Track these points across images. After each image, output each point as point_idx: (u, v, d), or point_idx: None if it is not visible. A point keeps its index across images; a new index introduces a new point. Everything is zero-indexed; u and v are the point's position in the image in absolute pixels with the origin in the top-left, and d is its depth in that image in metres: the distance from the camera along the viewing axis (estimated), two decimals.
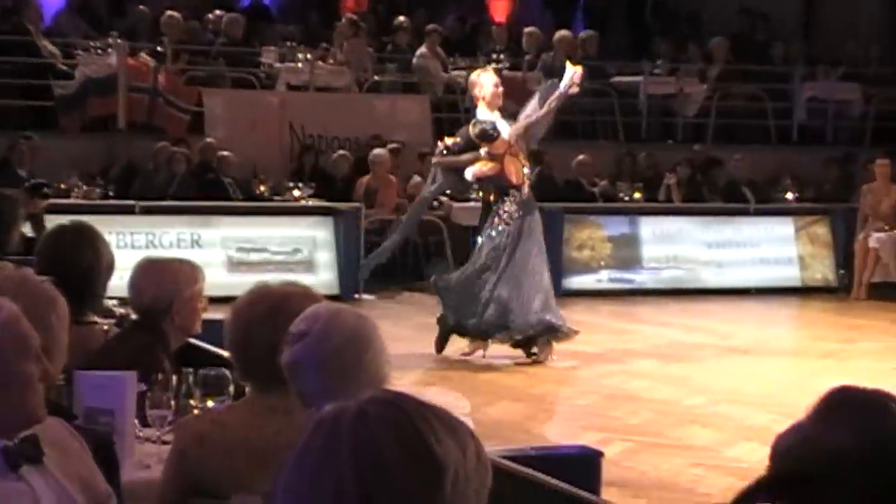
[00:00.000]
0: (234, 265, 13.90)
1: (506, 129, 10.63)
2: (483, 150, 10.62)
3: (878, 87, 19.12)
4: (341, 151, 15.92)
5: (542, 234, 11.10)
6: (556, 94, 10.74)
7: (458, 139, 10.88)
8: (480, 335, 10.75)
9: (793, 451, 1.87)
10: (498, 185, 10.73)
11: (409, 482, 1.63)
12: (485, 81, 10.86)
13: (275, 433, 3.31)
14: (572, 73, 10.68)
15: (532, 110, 10.96)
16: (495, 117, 10.71)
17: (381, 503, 1.63)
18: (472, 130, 10.62)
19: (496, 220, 10.68)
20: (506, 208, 10.67)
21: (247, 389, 3.74)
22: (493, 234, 10.69)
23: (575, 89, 10.80)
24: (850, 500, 1.83)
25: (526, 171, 10.91)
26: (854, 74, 19.26)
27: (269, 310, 3.49)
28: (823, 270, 15.96)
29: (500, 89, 10.83)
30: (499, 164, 10.58)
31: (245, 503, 3.31)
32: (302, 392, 3.20)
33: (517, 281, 10.61)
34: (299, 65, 17.28)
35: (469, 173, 10.77)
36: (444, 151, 11.01)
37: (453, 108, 17.69)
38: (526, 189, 10.82)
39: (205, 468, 3.42)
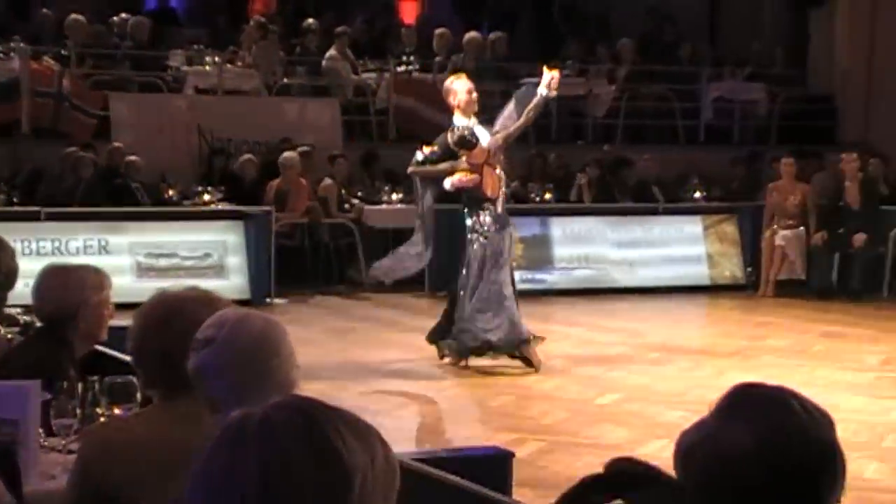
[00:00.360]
0: (143, 271, 13.75)
1: (485, 137, 10.43)
2: (462, 160, 10.41)
3: (783, 86, 19.38)
4: (248, 155, 15.79)
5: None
6: (535, 102, 10.53)
7: (436, 147, 10.60)
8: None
9: (694, 448, 1.90)
10: (474, 198, 10.51)
11: (317, 489, 1.61)
12: (458, 88, 10.61)
13: (182, 441, 3.26)
14: (549, 78, 10.44)
15: (508, 118, 10.76)
16: (472, 123, 10.50)
17: None
18: (451, 137, 10.38)
19: (473, 235, 10.50)
20: (481, 221, 10.47)
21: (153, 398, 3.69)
22: (473, 248, 10.51)
23: (553, 93, 10.60)
24: (745, 496, 1.84)
25: (502, 184, 10.67)
26: (759, 75, 19.49)
27: (164, 316, 3.44)
28: (732, 268, 16.12)
29: (475, 95, 10.60)
30: (478, 174, 10.38)
31: None
32: (210, 398, 3.16)
33: (488, 303, 10.42)
34: (207, 68, 17.17)
35: (448, 183, 10.52)
36: (421, 161, 10.73)
37: (363, 111, 17.69)
38: (500, 204, 10.60)
39: (111, 477, 3.36)
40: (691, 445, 1.92)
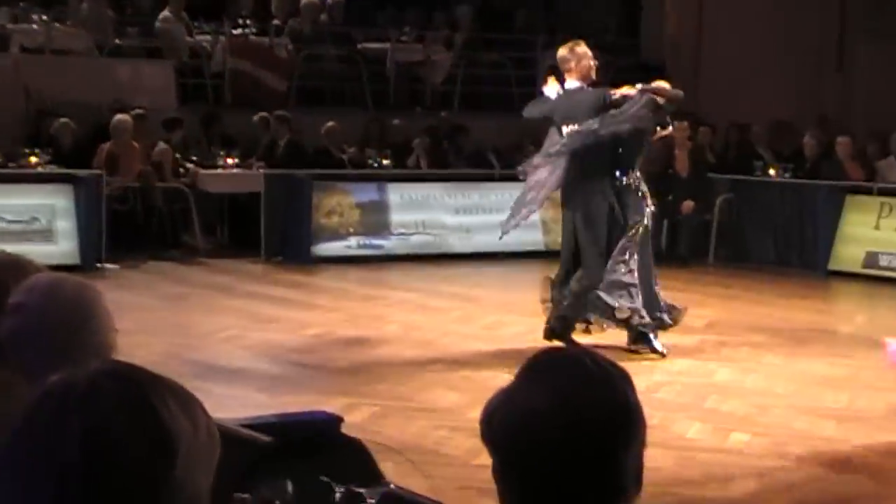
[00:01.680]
0: None
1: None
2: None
3: (616, 55, 19.61)
4: (64, 119, 15.31)
5: None
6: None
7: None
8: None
9: (495, 410, 1.93)
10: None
11: (140, 457, 1.59)
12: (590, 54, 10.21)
13: None
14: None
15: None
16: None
17: (110, 481, 1.57)
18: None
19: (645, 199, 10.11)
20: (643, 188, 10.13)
21: None
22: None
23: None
24: (542, 453, 1.88)
25: None
26: (594, 44, 19.65)
27: None
28: (535, 234, 16.25)
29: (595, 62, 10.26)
30: None
31: None
32: (23, 364, 3.09)
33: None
34: (34, 26, 16.76)
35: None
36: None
37: (198, 74, 17.46)
38: None
39: None
40: (493, 408, 1.95)
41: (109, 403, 1.59)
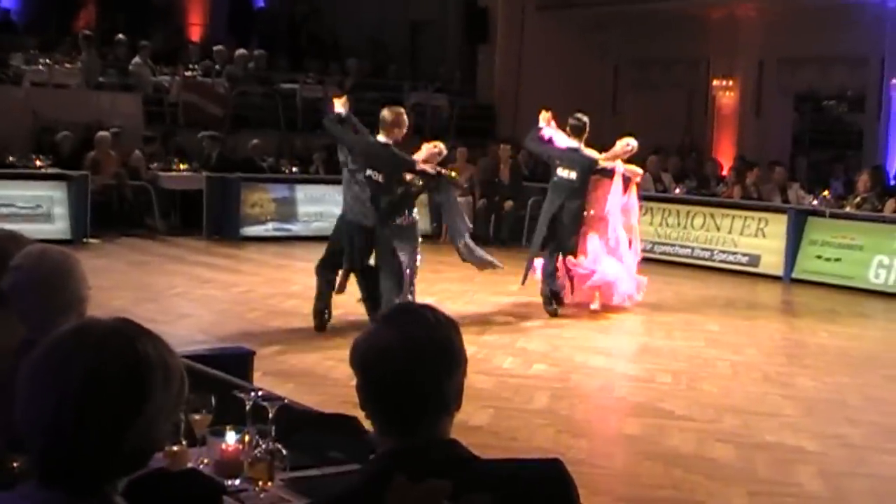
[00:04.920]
0: None
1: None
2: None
3: (459, 97, 19.72)
4: (65, 132, 14.91)
5: None
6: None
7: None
8: None
9: (360, 345, 1.95)
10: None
11: (128, 383, 1.60)
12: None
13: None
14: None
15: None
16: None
17: (102, 398, 1.57)
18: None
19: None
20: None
21: None
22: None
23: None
24: (390, 376, 1.90)
25: None
26: (443, 89, 19.75)
27: None
28: (422, 223, 16.22)
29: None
30: None
31: None
32: (21, 311, 3.01)
33: None
34: (41, 67, 16.28)
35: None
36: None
37: (159, 103, 17.13)
38: None
39: None
40: (358, 343, 1.97)
41: (103, 344, 1.60)
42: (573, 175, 9.92)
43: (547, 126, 10.32)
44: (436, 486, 1.70)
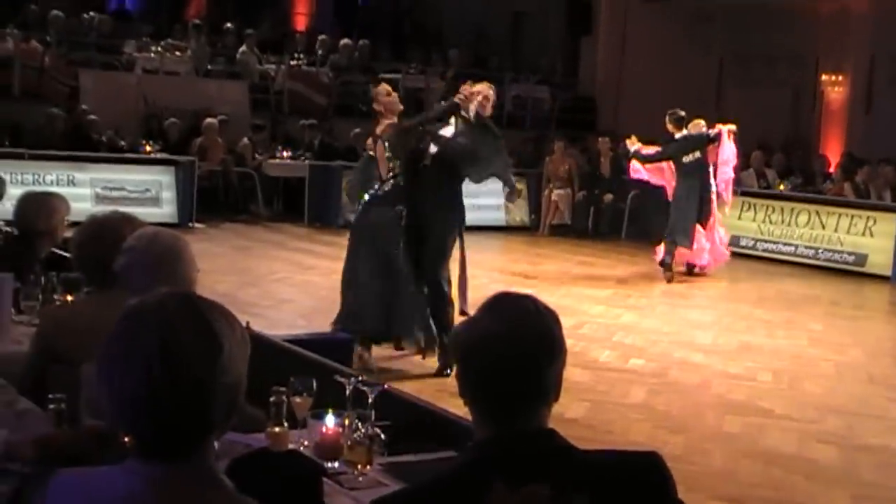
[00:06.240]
0: (100, 199, 13.40)
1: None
2: None
3: (561, 89, 19.59)
4: (172, 119, 15.27)
5: None
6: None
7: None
8: None
9: (460, 333, 1.94)
10: None
11: (198, 352, 1.65)
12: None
13: (111, 318, 3.15)
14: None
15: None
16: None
17: (177, 367, 1.63)
18: None
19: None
20: None
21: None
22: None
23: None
24: (490, 365, 1.90)
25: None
26: (545, 81, 19.65)
27: (94, 232, 3.39)
28: (521, 215, 16.29)
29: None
30: None
31: (91, 370, 3.20)
32: (134, 289, 3.10)
33: None
34: (152, 55, 16.70)
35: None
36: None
37: (265, 91, 17.40)
38: None
39: (61, 342, 3.29)
40: (460, 330, 1.97)
41: (175, 315, 1.67)
42: (697, 154, 11.41)
43: (633, 146, 11.94)
44: (534, 493, 1.70)
